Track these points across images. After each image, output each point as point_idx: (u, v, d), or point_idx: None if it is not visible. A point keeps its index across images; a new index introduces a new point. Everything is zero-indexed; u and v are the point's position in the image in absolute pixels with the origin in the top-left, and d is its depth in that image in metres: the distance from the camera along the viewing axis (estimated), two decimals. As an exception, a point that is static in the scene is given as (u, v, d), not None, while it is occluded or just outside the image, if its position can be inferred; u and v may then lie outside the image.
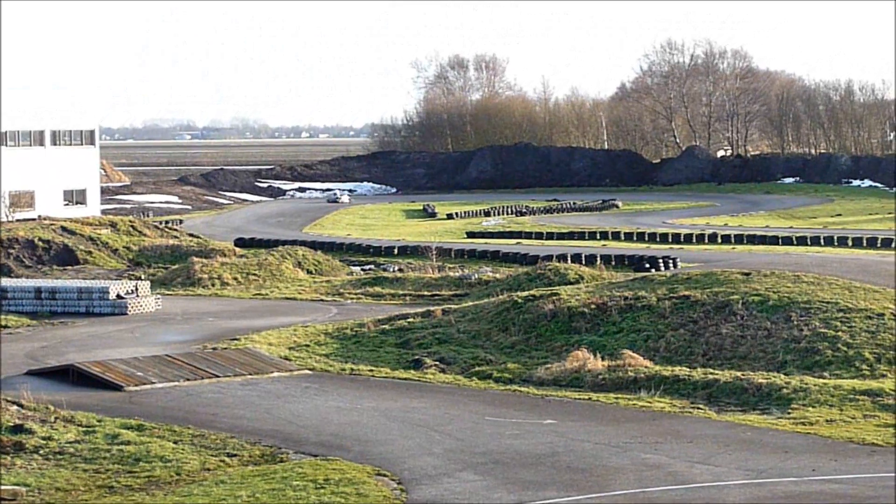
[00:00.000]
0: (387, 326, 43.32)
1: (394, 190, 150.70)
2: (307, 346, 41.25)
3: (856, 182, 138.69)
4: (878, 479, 23.23)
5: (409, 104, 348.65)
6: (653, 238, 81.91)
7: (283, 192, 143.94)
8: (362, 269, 67.59)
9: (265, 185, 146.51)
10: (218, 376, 35.69)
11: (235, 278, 60.19)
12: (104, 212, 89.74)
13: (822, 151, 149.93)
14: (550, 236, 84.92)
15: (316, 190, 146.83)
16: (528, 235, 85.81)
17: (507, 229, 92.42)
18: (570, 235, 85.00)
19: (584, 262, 60.64)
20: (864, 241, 74.83)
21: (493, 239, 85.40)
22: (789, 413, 29.91)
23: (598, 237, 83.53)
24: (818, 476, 23.57)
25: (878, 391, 31.04)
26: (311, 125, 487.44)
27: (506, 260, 68.57)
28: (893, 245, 71.12)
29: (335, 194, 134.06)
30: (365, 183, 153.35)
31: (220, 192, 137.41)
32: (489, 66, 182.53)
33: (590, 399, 32.54)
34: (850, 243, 74.96)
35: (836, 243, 75.38)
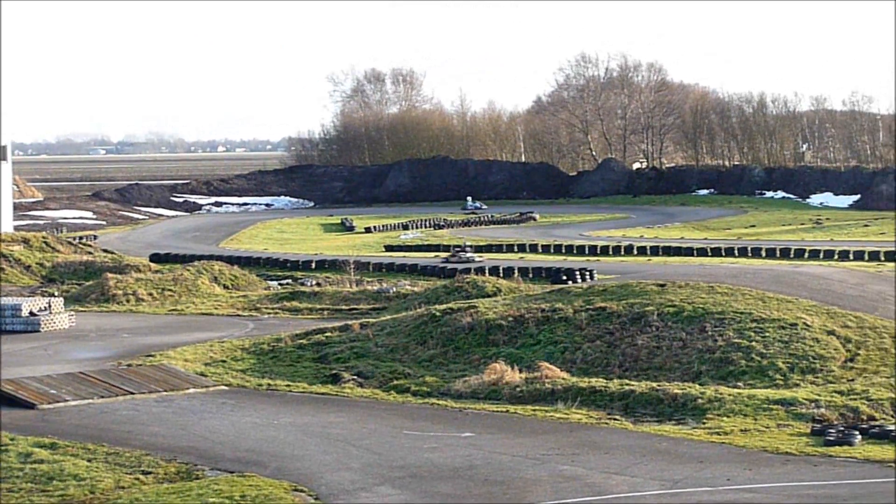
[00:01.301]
0: (304, 341, 43.13)
1: (311, 204, 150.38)
2: (223, 361, 40.94)
3: (769, 193, 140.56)
4: (791, 487, 23.47)
5: (326, 118, 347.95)
6: (570, 250, 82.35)
7: (200, 207, 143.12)
8: (279, 284, 67.30)
9: (181, 199, 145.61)
10: (133, 393, 35.31)
11: (150, 294, 59.66)
12: (17, 228, 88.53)
13: (736, 163, 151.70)
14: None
15: (232, 204, 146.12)
16: (446, 248, 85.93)
17: (426, 242, 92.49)
18: (488, 248, 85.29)
19: (501, 275, 60.87)
20: (778, 252, 75.76)
21: (411, 252, 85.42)
22: (704, 423, 30.14)
23: (516, 249, 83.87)
24: (733, 485, 23.75)
25: (791, 400, 31.37)
26: (228, 139, 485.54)
27: (424, 273, 68.64)
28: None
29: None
30: (282, 197, 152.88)
31: (134, 208, 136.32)
32: (406, 80, 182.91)
33: (507, 411, 32.58)
34: (763, 254, 75.89)
35: (749, 254, 76.25)
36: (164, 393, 35.69)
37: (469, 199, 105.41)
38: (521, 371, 35.72)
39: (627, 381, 34.39)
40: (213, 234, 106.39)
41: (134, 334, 48.00)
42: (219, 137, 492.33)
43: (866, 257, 71.99)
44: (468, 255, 77.11)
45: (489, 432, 29.81)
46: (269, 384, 37.28)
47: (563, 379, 34.86)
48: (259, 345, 43.19)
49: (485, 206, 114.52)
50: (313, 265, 74.72)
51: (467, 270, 70.53)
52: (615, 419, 31.11)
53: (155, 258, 77.91)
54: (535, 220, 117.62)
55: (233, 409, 33.61)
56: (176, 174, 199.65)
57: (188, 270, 64.50)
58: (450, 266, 70.43)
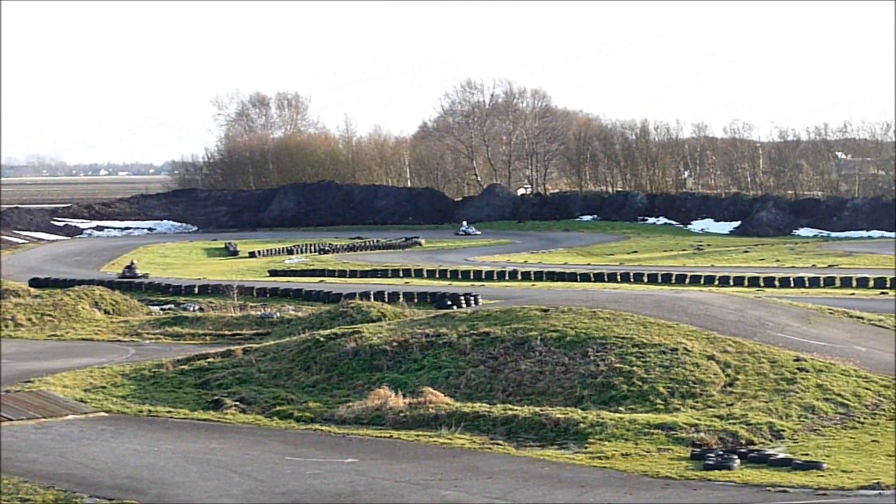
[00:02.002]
0: (186, 367, 42.70)
1: (195, 228, 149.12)
2: (104, 387, 40.38)
3: (651, 219, 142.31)
4: (671, 510, 23.72)
5: (210, 142, 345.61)
6: (455, 275, 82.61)
7: (81, 231, 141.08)
8: (161, 309, 66.59)
9: (62, 223, 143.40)
10: (10, 419, 34.65)
11: (30, 319, 58.73)
12: None
13: (619, 189, 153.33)
14: (353, 274, 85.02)
15: (114, 228, 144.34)
16: (331, 273, 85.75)
17: (310, 267, 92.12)
18: (374, 273, 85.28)
19: (386, 300, 60.78)
20: (659, 278, 76.68)
21: (295, 277, 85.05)
22: (586, 447, 30.33)
23: (401, 274, 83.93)
24: (614, 509, 23.94)
25: (671, 425, 31.71)
26: (110, 162, 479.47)
27: (308, 298, 68.39)
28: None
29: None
30: (165, 221, 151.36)
31: (14, 231, 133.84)
32: (291, 104, 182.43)
33: (391, 437, 32.51)
34: (645, 280, 76.75)
35: (631, 280, 77.07)
36: (43, 419, 35.10)
37: (465, 223, 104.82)
38: (404, 396, 35.69)
39: (511, 406, 34.49)
40: (95, 259, 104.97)
41: (12, 360, 47.11)
42: (101, 161, 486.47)
43: (746, 283, 73.14)
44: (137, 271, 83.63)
45: (372, 458, 29.72)
46: (149, 410, 36.84)
47: (447, 404, 34.90)
48: (140, 370, 42.66)
49: (479, 232, 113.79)
50: (196, 290, 74.03)
51: (140, 286, 75.09)
52: (498, 444, 31.18)
53: (35, 283, 76.57)
54: (420, 244, 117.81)
55: (112, 435, 33.14)
56: (57, 198, 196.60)
57: (68, 295, 63.58)
58: (125, 281, 78.14)
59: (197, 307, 65.52)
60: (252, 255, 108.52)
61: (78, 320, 59.67)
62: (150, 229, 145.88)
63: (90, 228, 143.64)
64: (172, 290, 74.62)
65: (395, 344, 41.04)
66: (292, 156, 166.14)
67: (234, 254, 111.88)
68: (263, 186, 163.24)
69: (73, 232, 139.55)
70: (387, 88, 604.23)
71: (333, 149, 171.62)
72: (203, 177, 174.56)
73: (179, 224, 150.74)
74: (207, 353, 44.47)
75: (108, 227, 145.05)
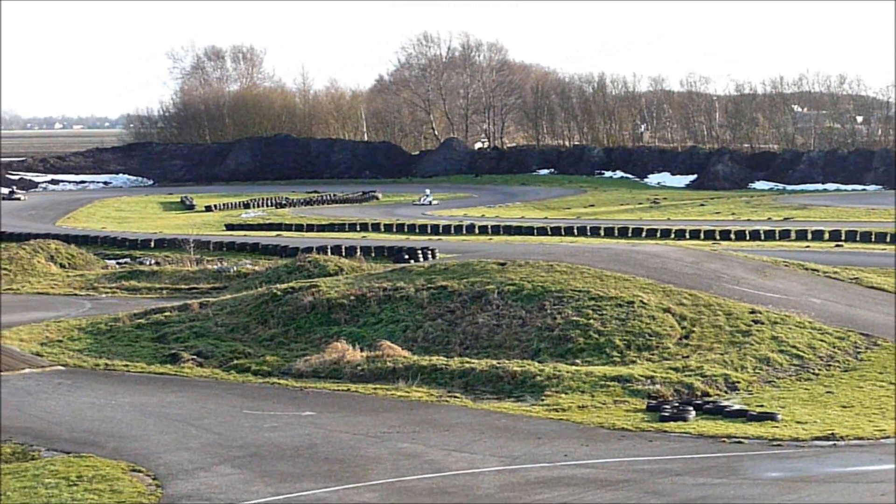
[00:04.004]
0: (143, 321, 42.60)
1: (151, 182, 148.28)
2: (60, 341, 40.26)
3: (608, 173, 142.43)
4: (627, 462, 23.89)
5: (166, 95, 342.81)
6: (412, 229, 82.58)
7: (36, 185, 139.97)
8: (118, 263, 66.27)
9: (16, 177, 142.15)
10: (-35, 374, 34.49)
11: (-16, 273, 58.31)
12: None
13: (576, 143, 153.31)
14: (311, 228, 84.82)
15: (69, 182, 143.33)
16: (288, 227, 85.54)
17: (267, 221, 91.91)
18: (331, 227, 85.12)
19: (343, 254, 60.72)
20: (616, 231, 76.93)
21: (252, 231, 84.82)
22: (543, 400, 30.50)
23: (358, 229, 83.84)
24: (570, 461, 24.10)
25: (627, 377, 31.93)
26: (65, 116, 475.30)
27: (265, 252, 68.27)
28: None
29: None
30: (121, 175, 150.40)
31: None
32: (247, 57, 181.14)
33: (349, 390, 32.61)
34: (602, 233, 77.00)
35: (588, 233, 77.28)
36: (-2, 374, 34.93)
37: (427, 191, 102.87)
38: (362, 350, 35.77)
39: (468, 360, 34.64)
40: (50, 213, 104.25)
41: (-34, 314, 46.82)
42: (56, 114, 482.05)
43: (702, 236, 73.49)
44: None
45: (330, 411, 29.79)
46: (106, 364, 36.79)
47: (405, 357, 35.00)
48: (96, 324, 42.54)
49: (437, 202, 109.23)
50: (152, 244, 73.73)
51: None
52: (455, 397, 31.32)
53: (-11, 236, 76.01)
54: (377, 198, 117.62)
55: (69, 389, 33.08)
56: (11, 151, 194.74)
57: (23, 249, 63.22)
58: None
59: (153, 261, 65.27)
60: (208, 209, 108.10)
61: (34, 274, 59.36)
62: (105, 183, 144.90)
63: (45, 182, 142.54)
64: (128, 244, 74.26)
65: (352, 298, 41.05)
66: (248, 109, 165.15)
67: (191, 208, 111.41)
68: (219, 140, 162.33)
69: (28, 186, 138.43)
70: (343, 41, 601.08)
71: (290, 102, 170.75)
72: (158, 130, 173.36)
73: (135, 178, 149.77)
74: (164, 308, 44.36)
75: (63, 181, 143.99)
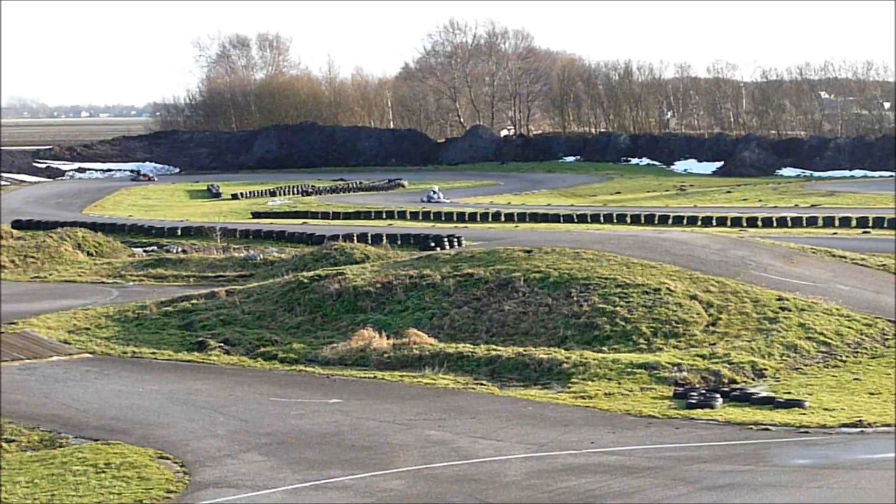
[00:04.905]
0: (170, 308, 42.73)
1: (177, 170, 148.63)
2: (87, 329, 40.42)
3: (634, 160, 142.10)
4: (653, 450, 23.85)
5: (192, 83, 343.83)
6: (438, 217, 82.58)
7: (63, 173, 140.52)
8: (144, 251, 66.49)
9: (44, 165, 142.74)
10: (-6, 362, 34.67)
11: (13, 261, 58.65)
12: None
13: (602, 130, 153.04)
14: (336, 216, 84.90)
15: (96, 170, 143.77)
16: (315, 215, 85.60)
17: (293, 209, 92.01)
18: (357, 215, 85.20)
19: (370, 242, 60.74)
20: (642, 218, 76.74)
21: (278, 219, 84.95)
22: (569, 387, 30.48)
23: (384, 216, 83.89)
24: (596, 448, 24.08)
25: (654, 364, 31.87)
26: (91, 105, 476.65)
27: (291, 240, 68.38)
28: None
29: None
30: (147, 163, 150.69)
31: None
32: (273, 45, 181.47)
33: (375, 377, 32.65)
34: (628, 220, 76.82)
35: (615, 220, 77.15)
36: (27, 361, 35.16)
37: (435, 188, 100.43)
38: (388, 337, 35.79)
39: (494, 347, 34.64)
40: (77, 201, 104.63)
41: (-5, 302, 47.07)
42: (82, 102, 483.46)
43: (729, 223, 73.26)
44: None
45: (356, 398, 29.83)
46: (133, 352, 36.93)
47: (431, 345, 35.01)
48: (124, 312, 42.69)
49: (447, 201, 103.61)
50: (179, 232, 73.95)
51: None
52: (482, 384, 31.32)
53: (17, 225, 76.24)
54: (403, 186, 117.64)
55: (97, 376, 33.22)
56: (38, 140, 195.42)
57: (51, 237, 63.47)
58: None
59: (180, 249, 65.45)
60: (235, 197, 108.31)
61: (61, 262, 59.60)
62: (132, 171, 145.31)
63: (72, 170, 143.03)
64: (155, 232, 74.51)
65: (378, 285, 41.09)
66: (274, 97, 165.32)
67: (217, 196, 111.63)
68: (245, 128, 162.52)
69: (56, 174, 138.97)
70: (369, 29, 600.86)
71: (316, 90, 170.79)
72: (185, 118, 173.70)
73: (161, 166, 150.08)
74: (191, 295, 44.50)
75: (89, 169, 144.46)
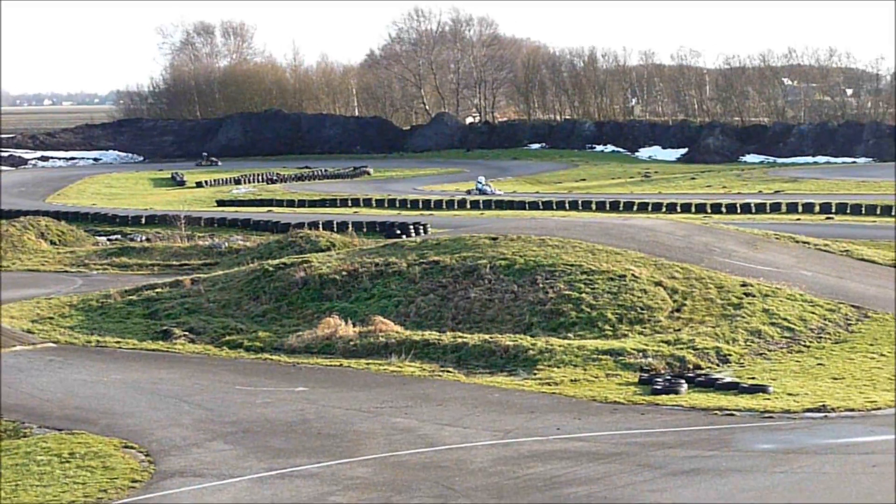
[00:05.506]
0: (134, 297, 42.56)
1: (141, 158, 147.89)
2: (51, 318, 40.23)
3: (599, 147, 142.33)
4: (619, 435, 23.90)
5: (155, 71, 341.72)
6: (403, 204, 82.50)
7: (25, 162, 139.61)
8: (108, 240, 66.17)
9: (6, 154, 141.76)
10: (-44, 352, 34.45)
11: (-25, 251, 58.21)
12: None
13: (567, 118, 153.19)
14: (302, 204, 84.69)
15: (59, 159, 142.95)
16: (280, 203, 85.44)
17: (258, 197, 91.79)
18: (322, 203, 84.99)
19: (335, 230, 60.73)
20: (607, 205, 76.89)
21: (243, 207, 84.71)
22: (535, 374, 30.52)
23: (350, 204, 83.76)
24: (562, 434, 24.11)
25: (619, 350, 31.95)
26: (54, 93, 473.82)
27: (257, 228, 68.19)
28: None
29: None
30: (111, 151, 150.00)
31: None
32: (237, 32, 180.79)
33: (341, 365, 32.61)
34: (593, 207, 76.96)
35: (580, 207, 77.26)
36: (-11, 351, 34.89)
37: (482, 178, 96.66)
38: (354, 325, 35.75)
39: (460, 334, 34.64)
40: (40, 189, 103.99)
41: (-43, 292, 46.76)
42: (45, 91, 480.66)
43: (693, 210, 73.48)
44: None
45: (322, 386, 29.80)
46: (98, 341, 36.76)
47: (397, 332, 34.99)
48: (87, 301, 42.49)
49: (499, 192, 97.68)
50: (143, 220, 73.64)
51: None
52: (448, 371, 31.32)
53: (-22, 214, 75.85)
54: (368, 174, 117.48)
55: (61, 366, 33.05)
56: (0, 128, 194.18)
57: (13, 226, 63.06)
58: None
59: (144, 238, 65.18)
60: (199, 185, 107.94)
61: (24, 251, 59.24)
62: (95, 159, 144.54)
63: (35, 159, 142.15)
64: (119, 221, 74.17)
65: (344, 273, 41.03)
66: (239, 85, 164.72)
67: (181, 184, 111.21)
68: (210, 116, 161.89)
69: (18, 162, 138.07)
70: (334, 16, 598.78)
71: (280, 78, 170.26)
72: (148, 106, 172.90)
73: (125, 154, 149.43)
74: (155, 284, 44.34)
75: (52, 158, 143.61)
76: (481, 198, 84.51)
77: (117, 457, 23.15)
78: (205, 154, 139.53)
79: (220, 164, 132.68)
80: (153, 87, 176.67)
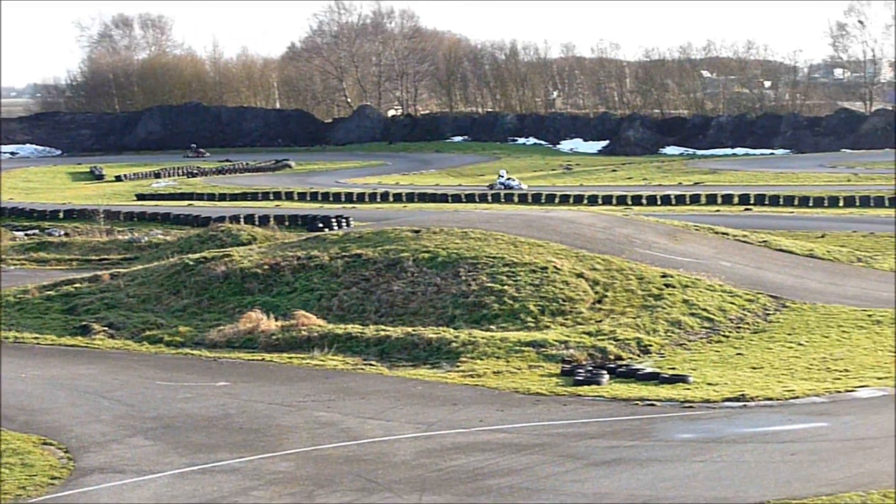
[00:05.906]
0: (52, 292, 42.07)
1: (59, 152, 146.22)
2: (-32, 315, 39.67)
3: (521, 140, 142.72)
4: (541, 427, 24.01)
5: (73, 64, 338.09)
6: (326, 198, 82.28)
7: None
8: (25, 234, 65.34)
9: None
10: None
11: None
12: None
13: (489, 110, 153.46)
14: (223, 197, 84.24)
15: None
16: (200, 197, 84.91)
17: (179, 191, 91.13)
18: (243, 196, 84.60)
19: (257, 223, 60.41)
20: (529, 198, 77.11)
21: (163, 201, 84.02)
22: (458, 366, 30.57)
23: (272, 197, 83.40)
24: (485, 426, 24.18)
25: (542, 342, 32.09)
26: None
27: (177, 222, 67.64)
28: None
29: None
30: (28, 145, 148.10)
31: None
32: (156, 25, 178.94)
33: (263, 360, 32.46)
34: (515, 199, 77.16)
35: (502, 200, 77.41)
36: None
37: (503, 172, 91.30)
38: (276, 319, 35.62)
39: (383, 327, 34.63)
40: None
41: None
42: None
43: (614, 202, 73.91)
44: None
45: (244, 381, 29.65)
46: (15, 337, 36.30)
47: (320, 326, 34.90)
48: (4, 297, 41.96)
49: (523, 186, 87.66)
50: (61, 215, 72.79)
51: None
52: (371, 365, 31.31)
53: None
54: (290, 167, 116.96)
55: (-22, 363, 32.58)
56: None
57: (-72, 222, 62.15)
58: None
59: (62, 232, 64.45)
60: (118, 178, 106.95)
61: (-61, 247, 58.43)
62: (12, 153, 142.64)
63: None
64: (36, 215, 73.25)
65: (266, 267, 40.84)
66: (158, 78, 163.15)
67: (100, 178, 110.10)
68: (129, 109, 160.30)
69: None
70: (254, 9, 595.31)
71: (200, 70, 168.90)
72: (66, 100, 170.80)
73: (42, 148, 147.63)
74: (74, 279, 43.83)
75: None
76: (503, 191, 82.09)
77: (36, 454, 22.89)
78: (193, 145, 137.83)
79: (208, 155, 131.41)
80: (71, 80, 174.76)
